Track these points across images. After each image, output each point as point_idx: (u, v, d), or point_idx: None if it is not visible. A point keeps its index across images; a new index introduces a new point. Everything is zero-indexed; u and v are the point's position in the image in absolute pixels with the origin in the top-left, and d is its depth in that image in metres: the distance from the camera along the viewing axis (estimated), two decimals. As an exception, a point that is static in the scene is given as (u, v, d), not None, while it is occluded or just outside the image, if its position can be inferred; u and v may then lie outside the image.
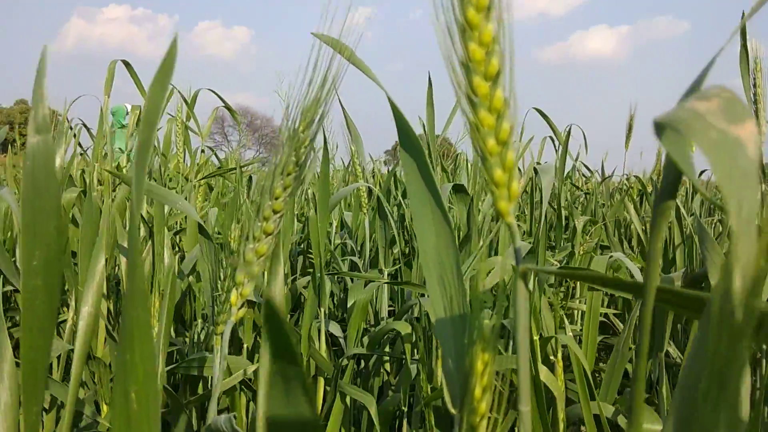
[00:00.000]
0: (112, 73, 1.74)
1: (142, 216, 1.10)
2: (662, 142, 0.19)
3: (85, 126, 2.69)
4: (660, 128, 0.18)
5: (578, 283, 1.19)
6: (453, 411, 0.32)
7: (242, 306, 0.44)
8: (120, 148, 3.72)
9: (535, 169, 0.92)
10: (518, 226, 1.84)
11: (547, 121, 1.94)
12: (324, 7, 0.44)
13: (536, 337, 0.63)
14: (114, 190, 1.42)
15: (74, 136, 2.55)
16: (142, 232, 1.15)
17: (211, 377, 0.82)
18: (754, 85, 1.14)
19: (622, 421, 0.70)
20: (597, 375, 1.02)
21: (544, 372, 0.62)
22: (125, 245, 0.95)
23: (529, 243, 1.17)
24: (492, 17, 0.26)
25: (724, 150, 0.16)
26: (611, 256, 0.86)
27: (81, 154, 2.94)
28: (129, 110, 4.68)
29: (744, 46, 1.12)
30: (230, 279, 0.70)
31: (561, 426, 0.67)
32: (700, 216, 1.75)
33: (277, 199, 0.42)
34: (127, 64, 1.77)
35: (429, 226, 0.37)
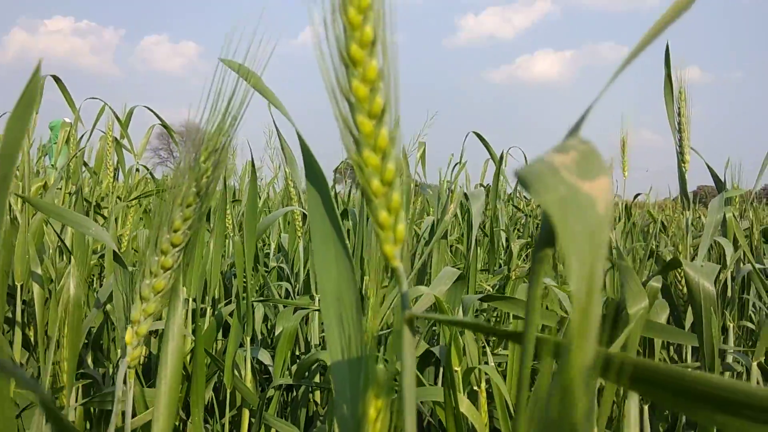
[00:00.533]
0: (41, 90, 1.68)
1: (63, 241, 1.05)
2: (530, 195, 0.18)
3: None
4: (522, 182, 0.18)
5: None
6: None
7: (137, 345, 0.42)
8: (52, 165, 3.58)
9: (465, 194, 0.93)
10: (456, 248, 1.85)
11: (484, 144, 1.96)
12: (231, 31, 0.43)
13: (457, 368, 0.62)
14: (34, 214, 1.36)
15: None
16: (64, 257, 1.10)
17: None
18: (678, 114, 1.18)
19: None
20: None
21: (465, 404, 0.61)
22: (38, 271, 0.91)
23: (459, 269, 1.17)
24: (377, 52, 0.26)
25: (571, 207, 0.15)
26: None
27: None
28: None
29: (668, 75, 1.16)
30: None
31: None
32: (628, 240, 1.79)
33: (176, 231, 0.40)
34: (56, 78, 1.70)
35: (330, 262, 0.35)
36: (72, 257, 0.94)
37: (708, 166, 1.34)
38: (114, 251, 0.69)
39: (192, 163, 0.40)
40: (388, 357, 0.49)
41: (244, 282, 0.82)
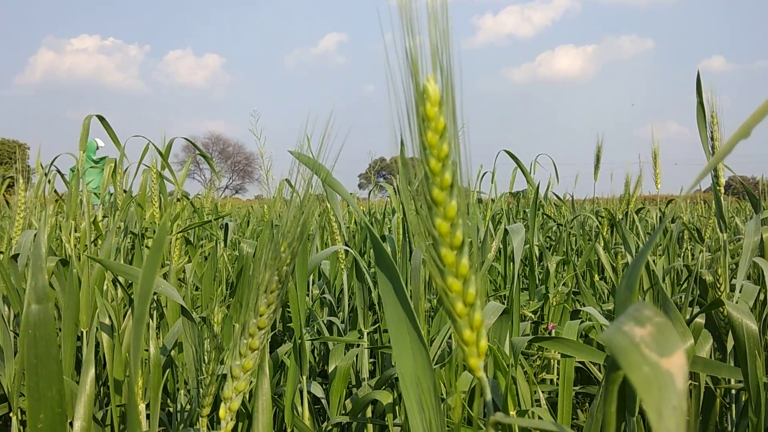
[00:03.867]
0: (87, 129, 1.75)
1: (121, 284, 1.11)
2: (621, 366, 0.21)
3: (59, 173, 2.68)
4: (609, 352, 0.21)
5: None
6: None
7: (230, 420, 0.46)
8: (93, 192, 3.68)
9: (506, 229, 0.96)
10: (492, 266, 1.87)
11: (516, 162, 1.99)
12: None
13: (512, 412, 0.65)
14: (92, 243, 1.42)
15: (48, 182, 2.54)
16: (122, 297, 1.16)
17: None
18: (712, 138, 1.20)
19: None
20: (578, 429, 1.04)
21: (521, 447, 0.64)
22: (106, 321, 0.96)
23: (503, 297, 1.20)
24: (454, 193, 0.29)
25: (656, 385, 0.19)
26: (582, 321, 0.89)
27: (56, 201, 2.93)
28: (99, 145, 4.63)
29: (700, 102, 1.18)
30: (214, 362, 0.72)
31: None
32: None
33: (261, 316, 0.45)
34: (101, 118, 1.78)
35: (406, 349, 0.39)
36: (136, 312, 0.99)
37: (744, 185, 1.35)
38: (182, 307, 0.73)
39: (274, 253, 0.44)
40: None
41: (299, 327, 0.86)
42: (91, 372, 0.54)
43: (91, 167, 4.44)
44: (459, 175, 0.29)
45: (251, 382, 0.46)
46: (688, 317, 0.76)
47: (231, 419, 0.46)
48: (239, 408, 0.92)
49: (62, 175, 2.72)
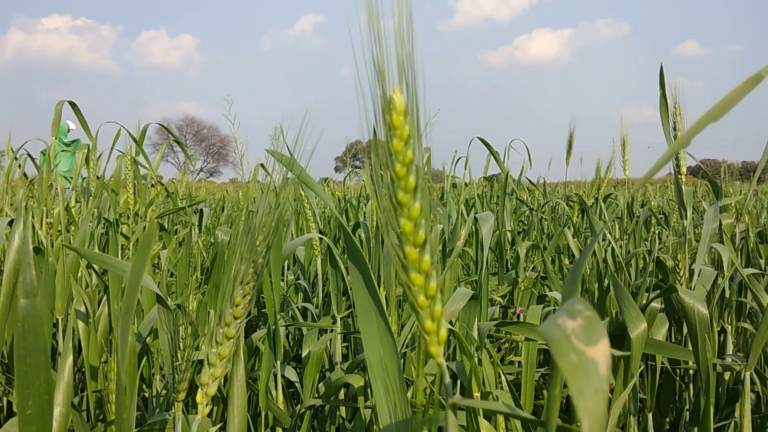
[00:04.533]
0: (59, 115, 1.74)
1: (96, 271, 1.12)
2: (552, 353, 0.24)
3: (30, 156, 2.65)
4: (545, 340, 0.24)
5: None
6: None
7: (207, 404, 0.48)
8: (64, 176, 3.63)
9: (475, 217, 0.99)
10: (464, 251, 1.91)
11: (488, 148, 2.02)
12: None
13: (477, 393, 0.69)
14: (65, 230, 1.42)
15: (19, 166, 2.51)
16: (97, 284, 1.17)
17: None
18: (674, 128, 1.24)
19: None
20: (540, 408, 1.09)
21: (485, 426, 0.68)
22: (81, 309, 0.97)
23: (473, 282, 1.23)
24: (418, 196, 0.32)
25: (582, 371, 0.22)
26: (546, 305, 0.93)
27: (27, 185, 2.89)
28: (70, 128, 4.55)
29: (663, 95, 1.21)
30: (190, 349, 0.74)
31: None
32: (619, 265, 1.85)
33: (236, 306, 0.47)
34: (73, 105, 1.76)
35: (374, 336, 0.42)
36: (110, 295, 1.00)
37: (706, 172, 1.40)
38: (157, 294, 0.75)
39: (249, 246, 0.46)
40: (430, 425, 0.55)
41: (273, 314, 0.88)
42: (69, 359, 0.56)
43: (62, 150, 4.36)
44: (422, 179, 0.32)
45: (227, 368, 0.48)
46: (644, 302, 0.80)
47: (207, 404, 0.48)
48: (215, 393, 0.94)
49: (33, 159, 2.69)
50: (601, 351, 0.22)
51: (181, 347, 0.72)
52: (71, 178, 4.27)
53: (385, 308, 0.42)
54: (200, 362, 0.86)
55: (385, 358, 0.41)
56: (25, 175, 2.74)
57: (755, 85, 0.28)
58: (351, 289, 0.43)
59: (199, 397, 0.48)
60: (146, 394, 1.06)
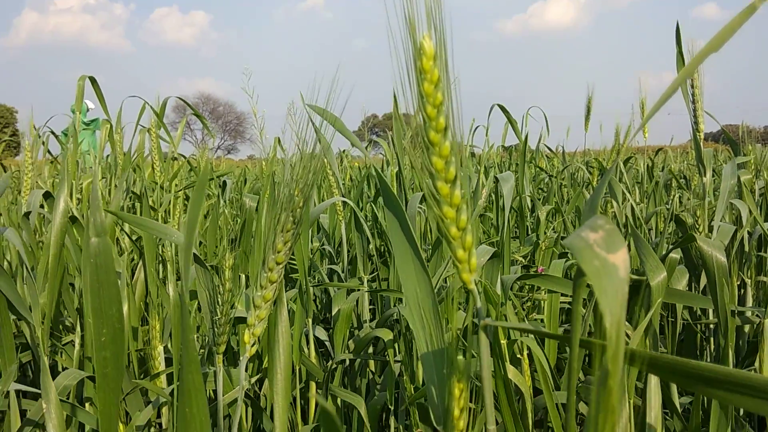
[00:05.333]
0: (82, 91, 1.77)
1: (130, 237, 1.17)
2: (577, 262, 0.27)
3: (53, 134, 2.71)
4: (570, 251, 0.27)
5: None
6: (438, 427, 0.41)
7: (254, 344, 0.52)
8: (86, 154, 3.70)
9: (496, 178, 1.01)
10: (485, 215, 1.93)
11: (506, 115, 2.03)
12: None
13: (503, 341, 0.72)
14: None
15: (43, 143, 2.57)
16: (134, 256, 1.21)
17: (214, 390, 0.90)
18: (692, 86, 1.24)
19: (582, 407, 0.80)
20: (564, 362, 1.12)
21: (512, 371, 0.71)
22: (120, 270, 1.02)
23: (495, 243, 1.26)
24: (448, 135, 0.35)
25: (604, 274, 0.24)
26: (567, 259, 0.95)
27: (51, 162, 2.96)
28: (89, 107, 4.62)
29: (680, 52, 1.22)
30: (227, 304, 0.78)
31: (530, 415, 0.77)
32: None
33: (278, 252, 0.50)
34: (93, 81, 1.80)
35: (411, 277, 0.45)
36: (146, 257, 1.05)
37: (725, 132, 1.40)
38: (195, 254, 0.79)
39: (288, 196, 0.49)
40: (467, 349, 0.58)
41: (304, 274, 0.92)
42: (125, 308, 0.60)
43: (83, 129, 4.43)
44: (451, 119, 0.34)
45: (271, 310, 0.52)
46: (663, 253, 0.82)
47: (254, 343, 0.52)
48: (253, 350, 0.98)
49: (57, 137, 2.75)
50: (621, 257, 0.25)
51: (220, 303, 0.76)
52: (94, 156, 4.34)
53: (420, 251, 0.45)
54: (237, 319, 0.91)
55: (421, 294, 0.44)
56: (49, 152, 2.80)
57: (750, 15, 0.30)
58: (388, 232, 0.46)
59: (246, 337, 0.52)
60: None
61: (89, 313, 0.92)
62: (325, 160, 1.42)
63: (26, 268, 0.77)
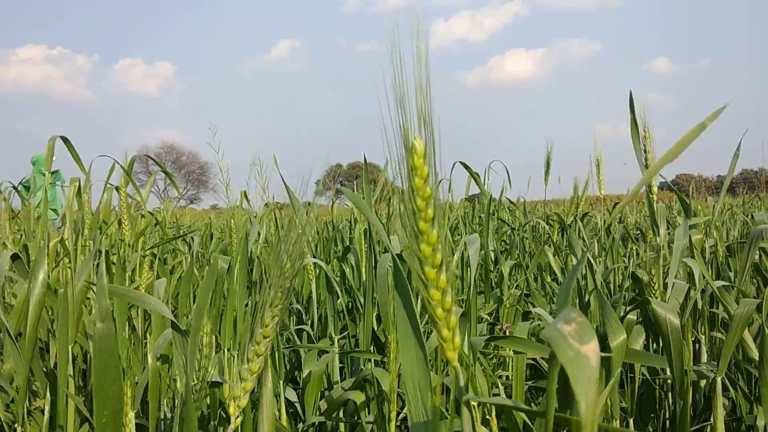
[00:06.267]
0: (52, 150, 1.78)
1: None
2: (555, 352, 0.30)
3: (14, 188, 2.67)
4: (548, 342, 0.30)
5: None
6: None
7: (239, 416, 0.54)
8: (55, 211, 3.64)
9: (464, 242, 1.05)
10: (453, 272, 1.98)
11: (469, 172, 2.10)
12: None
13: (474, 403, 0.74)
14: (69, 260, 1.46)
15: (4, 200, 2.54)
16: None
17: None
18: (645, 150, 1.32)
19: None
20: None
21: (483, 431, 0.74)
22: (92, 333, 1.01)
23: (461, 301, 1.29)
24: (435, 225, 0.38)
25: (577, 364, 0.28)
26: (532, 321, 0.99)
27: (12, 218, 2.90)
28: (45, 157, 4.56)
29: (633, 119, 1.30)
30: (204, 369, 0.79)
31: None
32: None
33: (266, 326, 0.53)
34: (65, 139, 1.80)
35: (412, 352, 0.48)
36: (116, 320, 1.05)
37: (676, 192, 1.48)
38: (172, 321, 0.80)
39: (278, 272, 0.52)
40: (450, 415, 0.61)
41: (277, 340, 0.93)
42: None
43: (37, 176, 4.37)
44: (439, 210, 0.38)
45: (256, 382, 0.54)
46: (621, 314, 0.87)
47: (238, 416, 0.54)
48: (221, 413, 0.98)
49: (17, 191, 2.71)
50: (592, 348, 0.29)
51: (197, 368, 0.76)
52: (54, 209, 4.27)
53: (420, 330, 0.48)
54: (213, 383, 0.91)
55: (418, 371, 0.47)
56: (11, 209, 2.76)
57: (701, 132, 0.35)
58: (395, 311, 0.49)
59: (231, 409, 0.53)
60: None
61: (63, 382, 0.91)
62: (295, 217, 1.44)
63: (11, 337, 0.77)
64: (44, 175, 4.44)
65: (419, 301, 0.51)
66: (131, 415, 0.97)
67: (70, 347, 1.05)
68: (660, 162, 0.36)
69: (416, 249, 0.38)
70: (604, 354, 0.76)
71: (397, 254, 1.05)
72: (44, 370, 1.06)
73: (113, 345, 0.38)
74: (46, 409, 0.91)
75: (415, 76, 0.36)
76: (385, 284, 1.08)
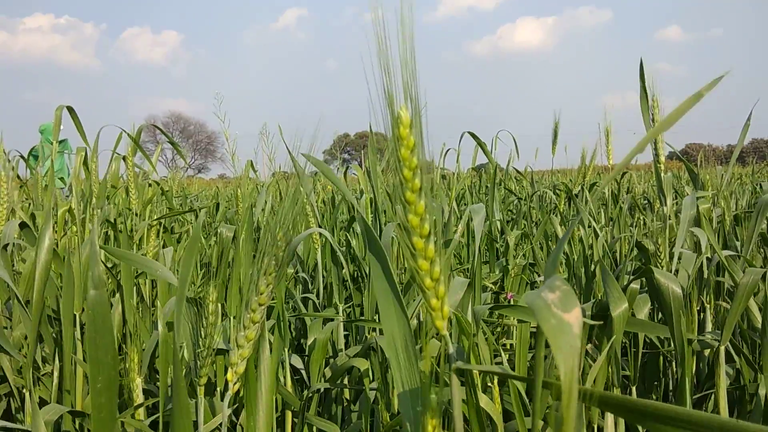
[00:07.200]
0: (59, 120, 1.78)
1: (107, 266, 1.17)
2: (537, 321, 0.30)
3: (22, 158, 2.69)
4: (532, 310, 0.30)
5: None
6: (412, 461, 0.44)
7: (236, 382, 0.54)
8: (57, 173, 3.67)
9: (469, 211, 1.05)
10: (459, 241, 1.97)
11: (477, 141, 2.08)
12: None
13: (476, 372, 0.75)
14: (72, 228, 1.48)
15: (12, 168, 2.55)
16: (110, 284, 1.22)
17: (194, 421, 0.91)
18: (653, 120, 1.31)
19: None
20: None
21: (483, 400, 0.74)
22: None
23: (466, 270, 1.30)
24: (422, 195, 0.38)
25: (559, 332, 0.28)
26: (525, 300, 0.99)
27: (20, 187, 2.93)
28: (53, 126, 4.59)
29: (643, 87, 1.28)
30: (210, 337, 0.80)
31: (500, 441, 0.80)
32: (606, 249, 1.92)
33: (261, 294, 0.53)
34: (70, 109, 1.80)
35: (392, 316, 0.48)
36: (123, 285, 1.06)
37: (683, 161, 1.46)
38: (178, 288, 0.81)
39: (271, 240, 0.52)
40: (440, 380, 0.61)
41: (281, 307, 0.94)
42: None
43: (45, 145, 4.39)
44: (426, 181, 0.38)
45: (253, 349, 0.54)
46: (624, 284, 0.87)
47: (237, 381, 0.54)
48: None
49: (25, 160, 2.73)
50: (575, 316, 0.29)
51: (203, 335, 0.77)
52: (62, 178, 4.29)
53: (400, 293, 0.49)
54: (218, 350, 0.92)
55: (399, 336, 0.47)
56: (18, 177, 2.78)
57: (697, 101, 0.34)
58: (371, 276, 0.49)
59: (229, 375, 0.54)
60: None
61: (69, 347, 0.92)
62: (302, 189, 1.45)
63: (20, 303, 0.78)
64: (52, 144, 4.47)
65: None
66: (138, 380, 0.99)
67: (77, 314, 1.06)
68: (652, 131, 0.35)
69: (404, 219, 0.38)
70: (591, 321, 0.76)
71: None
72: (54, 336, 1.08)
73: (106, 312, 0.38)
74: (55, 374, 0.93)
75: (399, 47, 0.36)
76: (389, 252, 1.08)
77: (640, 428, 0.90)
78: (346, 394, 1.15)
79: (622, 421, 0.76)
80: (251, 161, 2.73)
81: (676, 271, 1.07)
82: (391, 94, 0.36)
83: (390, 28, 0.35)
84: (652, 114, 1.27)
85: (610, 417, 0.69)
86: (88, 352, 0.38)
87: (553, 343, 0.28)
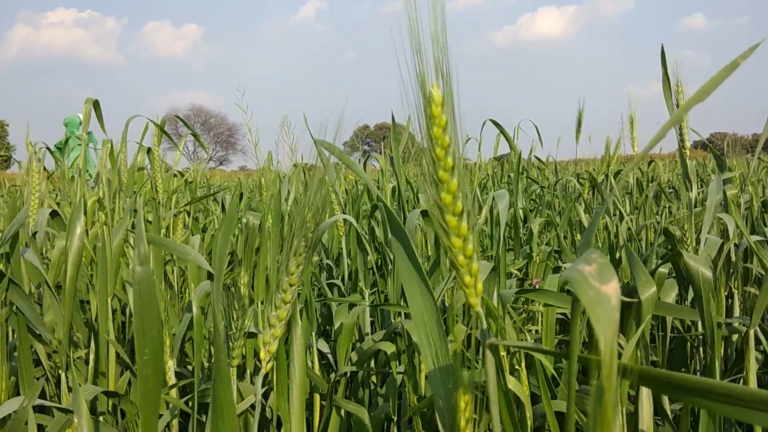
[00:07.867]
0: (89, 114, 1.81)
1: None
2: (575, 292, 0.31)
3: (49, 150, 2.73)
4: (569, 283, 0.30)
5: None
6: (444, 437, 0.44)
7: (269, 360, 0.55)
8: (88, 172, 3.73)
9: (493, 197, 1.05)
10: (482, 230, 1.98)
11: (500, 129, 2.07)
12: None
13: (503, 353, 0.75)
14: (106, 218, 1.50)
15: (39, 160, 2.59)
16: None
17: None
18: (677, 106, 1.29)
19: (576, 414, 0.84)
20: (559, 372, 1.16)
21: (512, 382, 0.75)
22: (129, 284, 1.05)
23: (491, 257, 1.30)
24: (455, 173, 0.38)
25: (598, 303, 0.28)
26: (562, 274, 0.99)
27: (48, 178, 2.98)
28: (82, 121, 4.65)
29: (665, 74, 1.27)
30: (242, 319, 0.81)
31: (529, 423, 0.80)
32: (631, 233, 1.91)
33: (292, 275, 0.54)
34: (95, 103, 1.83)
35: (417, 298, 0.49)
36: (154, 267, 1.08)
37: (709, 147, 1.45)
38: (209, 271, 0.82)
39: (301, 222, 0.53)
40: (471, 362, 0.62)
41: (309, 291, 0.95)
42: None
43: (77, 145, 4.46)
44: (458, 158, 0.38)
45: (285, 329, 0.55)
46: (653, 268, 0.87)
47: (269, 360, 0.55)
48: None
49: (51, 152, 2.77)
50: (612, 287, 0.29)
51: (235, 318, 0.79)
52: (87, 170, 4.35)
53: (425, 273, 0.49)
54: (250, 333, 0.94)
55: (426, 315, 0.48)
56: (45, 168, 2.83)
57: (734, 70, 0.34)
58: (395, 258, 0.50)
59: (262, 354, 0.55)
60: (192, 366, 1.13)
61: (104, 330, 0.95)
62: (327, 178, 1.46)
63: (51, 289, 0.80)
64: (78, 137, 4.55)
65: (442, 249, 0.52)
66: (171, 362, 1.01)
67: (109, 299, 1.08)
68: (689, 102, 0.35)
69: (437, 198, 0.38)
70: (629, 299, 0.76)
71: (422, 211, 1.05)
72: (85, 321, 1.10)
73: (152, 287, 0.39)
74: (91, 357, 0.95)
75: (431, 26, 0.36)
76: (414, 239, 1.09)
77: (667, 408, 0.90)
78: (373, 378, 1.16)
79: (651, 404, 0.76)
80: (269, 152, 2.75)
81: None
82: (422, 72, 0.36)
83: (420, 5, 0.36)
84: (677, 101, 1.25)
85: (645, 394, 0.69)
86: (135, 325, 0.39)
87: (592, 314, 0.28)
